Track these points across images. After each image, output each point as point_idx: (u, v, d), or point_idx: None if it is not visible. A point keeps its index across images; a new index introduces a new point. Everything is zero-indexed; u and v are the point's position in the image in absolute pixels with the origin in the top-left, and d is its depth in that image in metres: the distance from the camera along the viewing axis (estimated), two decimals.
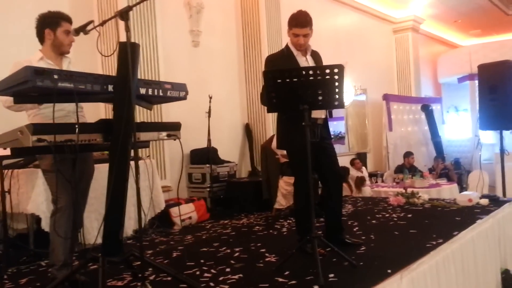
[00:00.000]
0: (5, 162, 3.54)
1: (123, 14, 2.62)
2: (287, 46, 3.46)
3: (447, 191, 6.84)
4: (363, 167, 8.66)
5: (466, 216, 4.28)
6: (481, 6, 10.73)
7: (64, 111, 2.83)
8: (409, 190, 5.55)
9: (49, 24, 2.91)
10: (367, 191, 7.16)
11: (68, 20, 2.96)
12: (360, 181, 7.30)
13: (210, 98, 5.72)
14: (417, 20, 11.18)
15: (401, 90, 11.17)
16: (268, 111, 3.24)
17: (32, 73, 2.30)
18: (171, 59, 5.85)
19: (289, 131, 3.34)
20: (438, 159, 9.50)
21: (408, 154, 8.74)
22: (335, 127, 9.74)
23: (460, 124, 13.05)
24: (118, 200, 2.68)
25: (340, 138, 9.52)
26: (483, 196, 4.98)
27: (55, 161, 2.63)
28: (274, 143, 5.02)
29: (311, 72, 2.89)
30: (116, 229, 2.68)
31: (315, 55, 3.54)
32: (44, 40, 2.95)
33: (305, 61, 3.42)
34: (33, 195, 3.50)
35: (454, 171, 9.38)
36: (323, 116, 3.44)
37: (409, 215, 4.61)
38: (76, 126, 2.49)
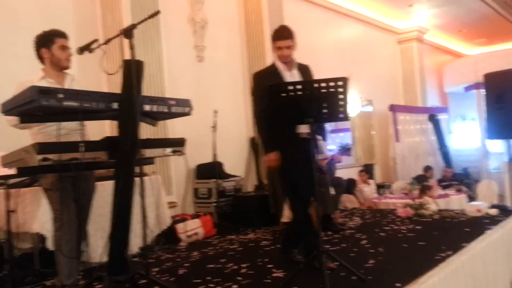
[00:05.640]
0: (10, 181, 3.54)
1: (127, 32, 2.65)
2: (273, 62, 3.54)
3: (456, 201, 6.78)
4: (370, 180, 8.61)
5: (475, 227, 4.23)
6: (485, 15, 10.72)
7: (65, 130, 2.84)
8: (417, 201, 5.49)
9: (44, 43, 2.95)
10: (432, 202, 6.03)
11: (62, 35, 2.98)
12: (425, 188, 6.69)
13: (216, 112, 5.73)
14: (421, 30, 11.19)
15: (407, 101, 11.14)
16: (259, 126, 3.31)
17: (37, 92, 2.32)
18: (176, 74, 5.88)
19: (280, 142, 3.38)
20: (448, 168, 9.46)
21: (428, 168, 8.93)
22: (341, 138, 9.71)
23: (467, 134, 12.97)
24: (124, 218, 2.67)
25: (347, 150, 9.47)
26: (492, 206, 4.94)
27: (57, 179, 2.63)
28: None
29: (315, 85, 2.88)
30: (122, 247, 2.67)
31: (303, 69, 3.56)
32: (43, 60, 2.98)
33: (290, 76, 3.45)
34: (39, 214, 3.49)
35: (464, 180, 9.29)
36: (307, 131, 3.41)
37: (418, 227, 4.56)
38: (81, 144, 2.50)
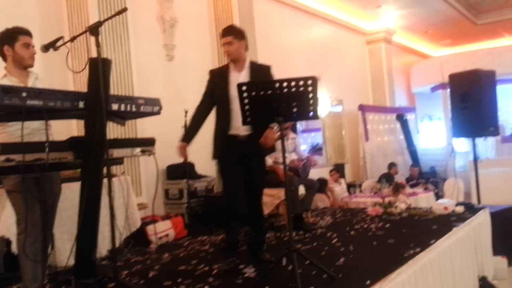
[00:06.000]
0: None
1: (93, 30, 2.60)
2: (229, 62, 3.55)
3: (424, 199, 6.92)
4: (341, 179, 8.69)
5: (442, 224, 4.32)
6: (450, 17, 11.02)
7: (29, 129, 2.76)
8: (387, 199, 5.58)
9: (7, 40, 2.87)
10: (406, 200, 6.23)
11: (26, 33, 2.91)
12: (398, 187, 6.72)
13: (186, 112, 5.66)
14: (389, 31, 11.39)
15: (376, 100, 11.32)
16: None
17: (0, 91, 2.24)
18: (145, 73, 5.80)
19: (217, 142, 3.52)
20: (414, 167, 9.63)
21: (392, 165, 9.00)
22: (313, 138, 9.81)
23: (434, 133, 13.28)
24: (91, 220, 2.61)
25: (318, 150, 9.57)
26: (458, 204, 5.04)
27: (20, 180, 2.56)
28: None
29: (285, 84, 2.89)
30: (89, 250, 2.61)
31: (260, 70, 3.52)
32: (5, 58, 2.90)
33: (238, 77, 3.41)
34: (3, 216, 3.37)
35: (430, 179, 9.50)
36: (245, 133, 3.41)
37: (387, 225, 4.63)
38: (46, 144, 2.43)
